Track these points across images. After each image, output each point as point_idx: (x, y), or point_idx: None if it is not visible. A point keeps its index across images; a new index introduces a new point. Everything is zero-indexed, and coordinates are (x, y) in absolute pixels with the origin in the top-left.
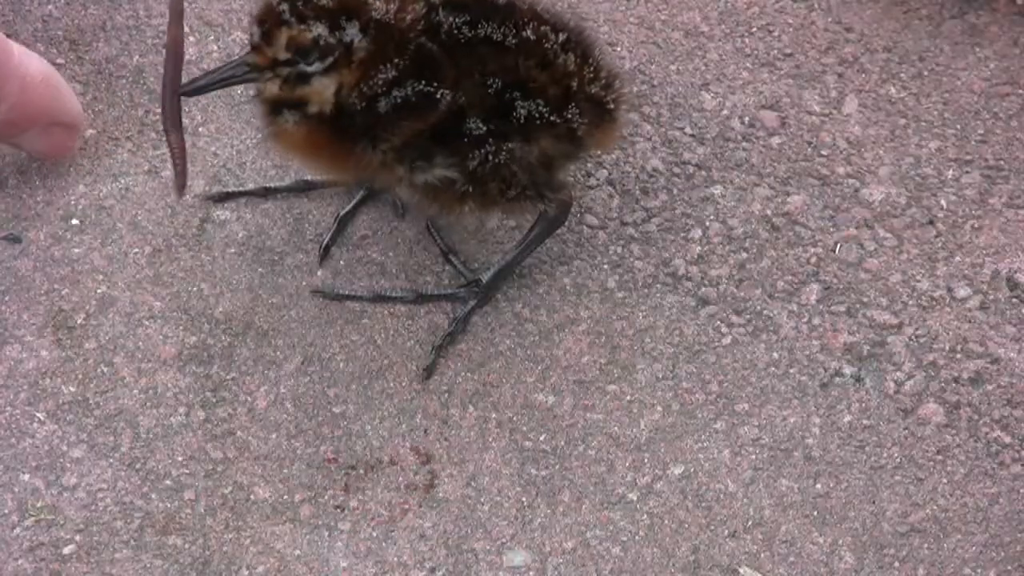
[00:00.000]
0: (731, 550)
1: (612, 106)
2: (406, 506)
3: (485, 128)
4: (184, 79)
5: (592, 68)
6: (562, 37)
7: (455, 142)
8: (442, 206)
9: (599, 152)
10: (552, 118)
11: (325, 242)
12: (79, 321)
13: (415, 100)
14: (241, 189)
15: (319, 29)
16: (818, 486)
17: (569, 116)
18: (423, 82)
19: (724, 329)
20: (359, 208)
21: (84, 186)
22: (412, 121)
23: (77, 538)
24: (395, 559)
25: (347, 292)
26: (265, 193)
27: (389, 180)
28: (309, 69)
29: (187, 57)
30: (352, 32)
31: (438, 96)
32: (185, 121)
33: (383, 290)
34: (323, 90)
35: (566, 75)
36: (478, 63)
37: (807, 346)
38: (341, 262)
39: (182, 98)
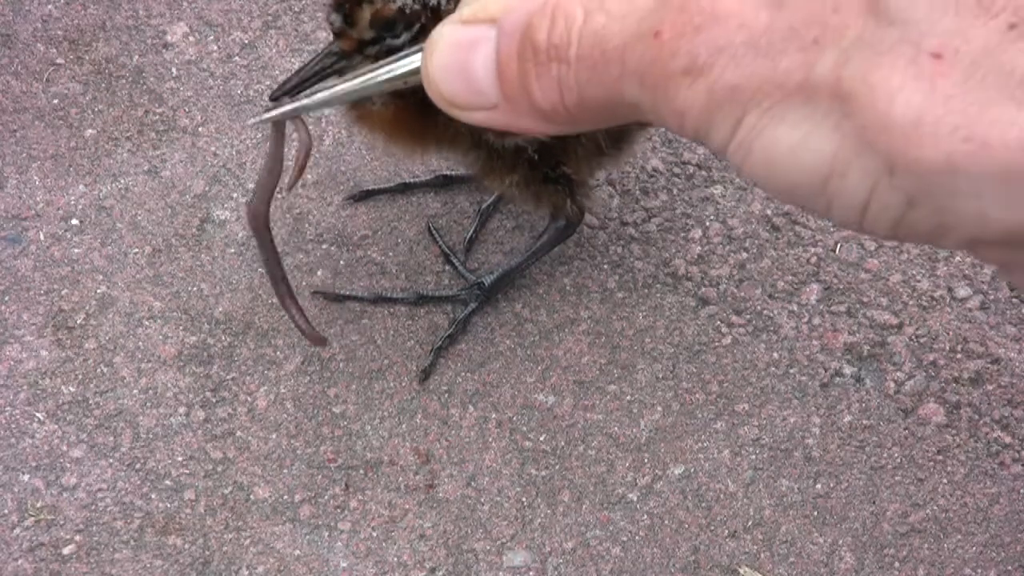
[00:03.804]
0: (731, 550)
1: None
2: (406, 506)
3: None
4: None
5: None
6: None
7: None
8: (491, 176)
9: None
10: None
11: (469, 235)
12: (79, 321)
13: None
14: (381, 187)
15: None
16: (818, 486)
17: None
18: None
19: (724, 329)
20: (499, 202)
21: (84, 186)
22: None
23: (77, 538)
24: (395, 559)
25: (347, 292)
26: (404, 189)
27: (466, 148)
28: (397, 42)
29: (186, 56)
30: None
31: None
32: (185, 121)
33: (383, 290)
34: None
35: None
36: None
37: (807, 346)
38: (341, 262)
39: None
